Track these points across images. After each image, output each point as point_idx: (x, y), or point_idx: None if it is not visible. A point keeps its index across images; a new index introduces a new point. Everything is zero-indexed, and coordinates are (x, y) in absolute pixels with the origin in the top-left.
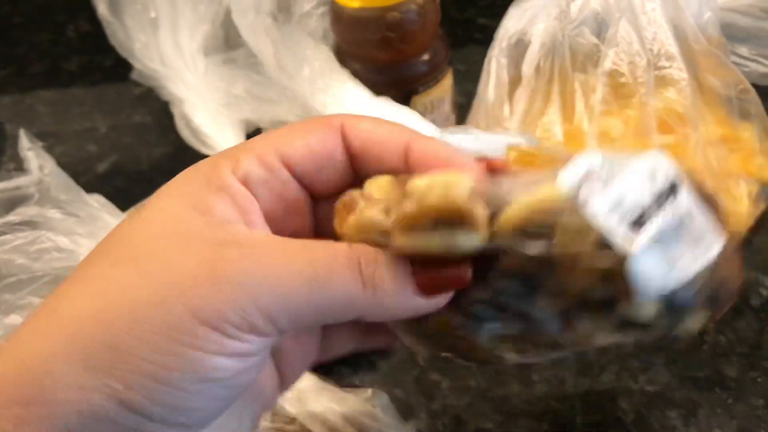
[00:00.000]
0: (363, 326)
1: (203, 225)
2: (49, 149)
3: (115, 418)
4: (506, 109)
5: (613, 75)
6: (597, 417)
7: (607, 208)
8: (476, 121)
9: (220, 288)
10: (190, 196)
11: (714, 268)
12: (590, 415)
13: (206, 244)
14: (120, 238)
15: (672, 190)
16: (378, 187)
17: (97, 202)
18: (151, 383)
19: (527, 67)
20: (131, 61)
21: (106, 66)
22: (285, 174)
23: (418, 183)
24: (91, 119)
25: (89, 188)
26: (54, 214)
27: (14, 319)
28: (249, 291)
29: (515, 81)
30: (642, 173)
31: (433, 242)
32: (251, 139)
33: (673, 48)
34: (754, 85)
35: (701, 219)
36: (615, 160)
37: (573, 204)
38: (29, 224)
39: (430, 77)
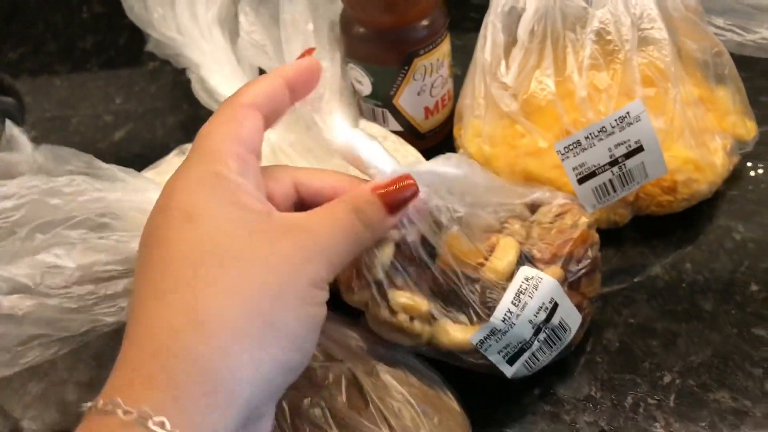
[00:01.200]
0: None
1: (259, 218)
2: (66, 120)
3: (275, 380)
4: (503, 66)
5: (601, 34)
6: (584, 347)
7: (496, 353)
8: (473, 82)
9: (313, 260)
10: (226, 201)
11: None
12: (577, 346)
13: (280, 234)
14: (205, 241)
15: (551, 314)
16: None
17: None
18: (300, 342)
19: (522, 31)
20: (149, 31)
21: (120, 44)
22: (252, 159)
23: None
24: (106, 92)
25: (106, 154)
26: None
27: (45, 257)
28: (327, 257)
29: (510, 45)
30: (529, 317)
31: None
32: (207, 139)
33: (653, 12)
34: (730, 54)
35: (568, 316)
36: (514, 313)
37: (474, 350)
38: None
39: (430, 41)
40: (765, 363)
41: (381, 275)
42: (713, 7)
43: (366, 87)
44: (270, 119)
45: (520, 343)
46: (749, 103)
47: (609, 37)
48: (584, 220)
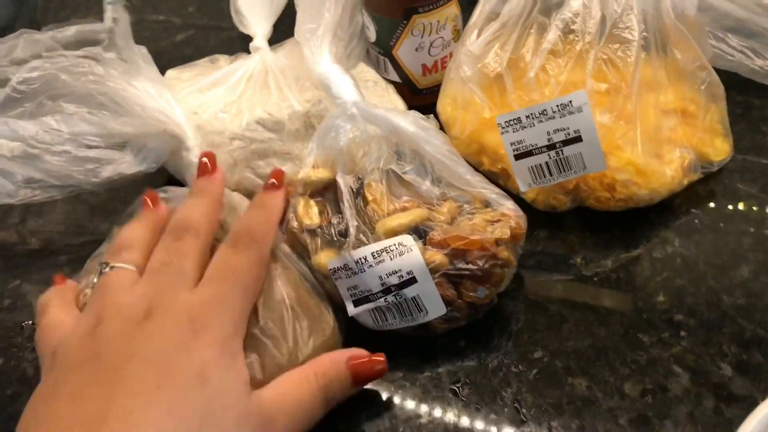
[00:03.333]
0: None
1: (246, 401)
2: (144, 17)
3: None
4: (474, 34)
5: (567, 23)
6: None
7: (345, 288)
8: (458, 46)
9: None
10: (239, 379)
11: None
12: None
13: (255, 419)
14: (206, 410)
15: (404, 284)
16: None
17: (142, 57)
18: None
19: (507, 7)
20: None
21: None
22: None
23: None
24: (184, 2)
25: (163, 51)
26: (110, 55)
27: (47, 120)
28: None
29: (495, 17)
30: (380, 273)
31: None
32: (242, 305)
33: (633, 14)
34: (738, 75)
35: (427, 300)
36: (368, 262)
37: (330, 277)
38: (89, 59)
39: (432, 1)
40: (634, 365)
41: (298, 188)
42: (729, 25)
43: (372, 34)
44: None
45: (366, 291)
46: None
47: (573, 27)
48: (497, 234)
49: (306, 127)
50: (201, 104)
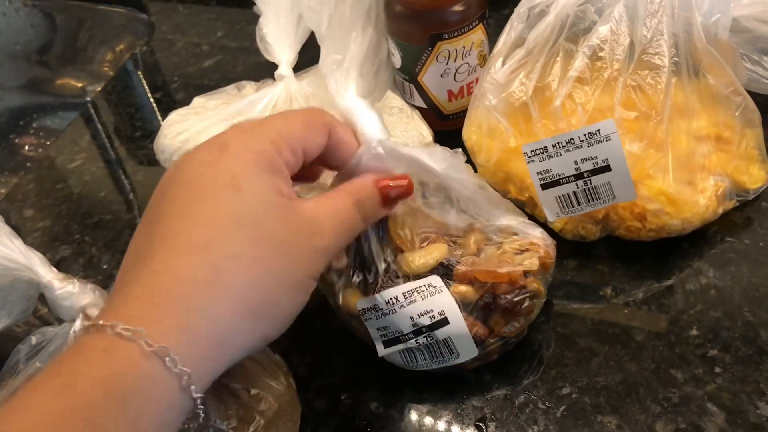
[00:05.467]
0: None
1: (286, 205)
2: (173, 42)
3: (258, 346)
4: (499, 62)
5: (595, 50)
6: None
7: (375, 328)
8: (483, 73)
9: (317, 257)
10: (269, 183)
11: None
12: None
13: (299, 225)
14: (243, 214)
15: (436, 325)
16: None
17: None
18: (284, 321)
19: (533, 34)
20: None
21: None
22: (302, 161)
23: None
24: (213, 25)
25: (193, 77)
26: None
27: None
28: (328, 254)
29: (520, 43)
30: (412, 314)
31: None
32: (283, 125)
33: (663, 39)
34: None
35: (459, 342)
36: (399, 302)
37: (358, 316)
38: None
39: (456, 27)
40: (666, 403)
41: None
42: (765, 48)
43: (397, 60)
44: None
45: (397, 332)
46: None
47: (601, 54)
48: (527, 265)
49: None
50: None
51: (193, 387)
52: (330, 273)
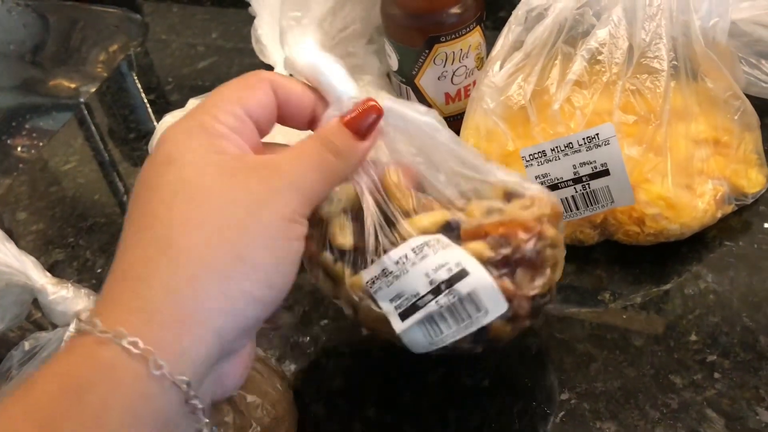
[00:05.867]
0: None
1: (232, 160)
2: (168, 43)
3: (247, 313)
4: (497, 65)
5: (594, 53)
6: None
7: (387, 300)
8: (481, 75)
9: (284, 194)
10: (205, 145)
11: (485, 328)
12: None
13: (249, 172)
14: (179, 180)
15: (455, 278)
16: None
17: None
18: (268, 274)
19: (531, 37)
20: None
21: None
22: (249, 122)
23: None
24: (208, 26)
25: (188, 78)
26: None
27: None
28: (300, 191)
29: (515, 47)
30: (426, 270)
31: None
32: (218, 95)
33: (662, 43)
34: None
35: (485, 294)
36: (410, 260)
37: (368, 293)
38: None
39: (454, 30)
40: (665, 409)
41: (324, 206)
42: (763, 51)
43: (394, 62)
44: (277, 115)
45: (414, 296)
46: None
47: (600, 57)
48: (536, 211)
49: None
50: None
51: (165, 369)
52: (325, 252)
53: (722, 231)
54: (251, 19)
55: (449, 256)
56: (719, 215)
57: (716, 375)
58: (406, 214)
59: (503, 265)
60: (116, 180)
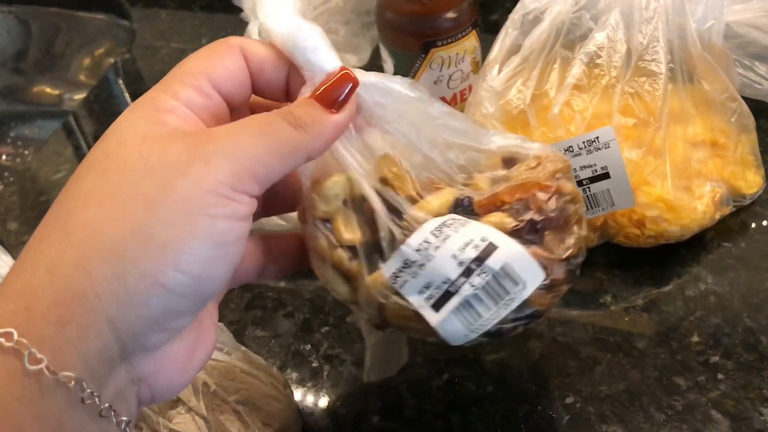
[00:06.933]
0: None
1: (165, 130)
2: (157, 49)
3: (150, 300)
4: (495, 70)
5: (592, 57)
6: (504, 352)
7: (416, 292)
8: (478, 80)
9: (210, 161)
10: (143, 117)
11: (525, 302)
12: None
13: (174, 139)
14: (99, 153)
15: (485, 254)
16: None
17: None
18: (177, 256)
19: (529, 41)
20: None
21: None
22: (216, 96)
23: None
24: (198, 32)
25: None
26: None
27: None
28: (233, 158)
29: (512, 51)
30: (452, 251)
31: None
32: (180, 68)
33: (659, 46)
34: (766, 103)
35: (519, 265)
36: (433, 244)
37: (393, 289)
38: None
39: (450, 34)
40: (670, 411)
41: (320, 206)
42: (757, 53)
43: (389, 67)
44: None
45: (445, 282)
46: None
47: (599, 61)
48: (550, 167)
49: None
50: None
51: (45, 364)
52: (337, 249)
53: (720, 232)
54: (242, 24)
55: (472, 231)
56: (718, 217)
57: (720, 376)
58: (411, 200)
59: (529, 231)
60: None
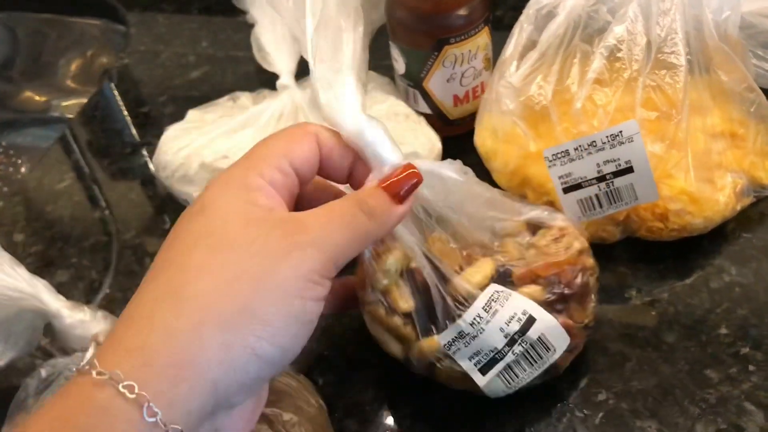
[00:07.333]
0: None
1: (261, 212)
2: (157, 54)
3: (248, 369)
4: (513, 66)
5: (612, 50)
6: None
7: (467, 358)
8: (494, 76)
9: (305, 251)
10: (238, 196)
11: (552, 364)
12: None
13: (274, 225)
14: (204, 228)
15: (526, 326)
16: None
17: None
18: (274, 331)
19: (545, 35)
20: None
21: None
22: (293, 175)
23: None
24: (197, 35)
25: (181, 89)
26: None
27: None
28: (323, 249)
29: (529, 47)
30: (500, 325)
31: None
32: (263, 149)
33: (678, 37)
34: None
35: (551, 335)
36: (484, 319)
37: (446, 354)
38: None
39: (463, 31)
40: (704, 404)
41: (382, 280)
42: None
43: (401, 66)
44: (319, 168)
45: (492, 351)
46: None
47: (619, 54)
48: (577, 245)
49: None
50: (230, 147)
51: (160, 417)
52: (394, 317)
53: (740, 223)
54: (241, 26)
55: (515, 306)
56: (739, 207)
57: (751, 368)
58: (456, 271)
59: (557, 302)
60: (115, 197)
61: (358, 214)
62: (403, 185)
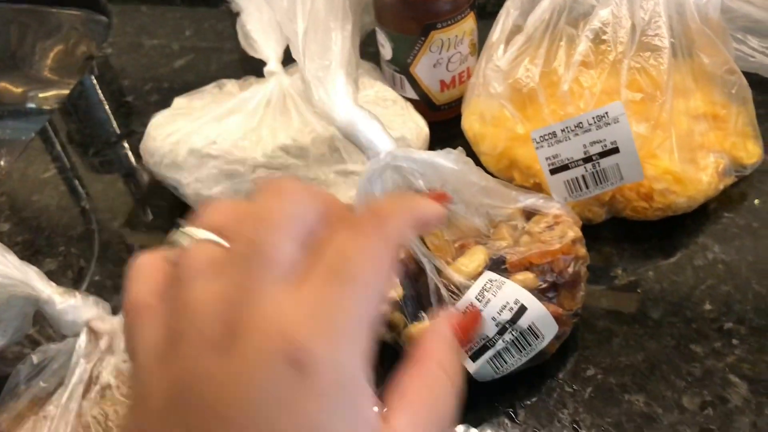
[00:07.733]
0: None
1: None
2: (140, 44)
3: None
4: (500, 50)
5: (598, 33)
6: None
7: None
8: (480, 62)
9: None
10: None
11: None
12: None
13: None
14: None
15: (517, 315)
16: None
17: None
18: None
19: (531, 19)
20: None
21: None
22: None
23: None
24: (181, 24)
25: (164, 78)
26: None
27: None
28: None
29: (516, 31)
30: (492, 314)
31: None
32: (359, 310)
33: (661, 20)
34: (758, 75)
35: (541, 323)
36: (477, 308)
37: None
38: None
39: (449, 16)
40: (690, 377)
41: None
42: (749, 27)
43: (387, 52)
44: None
45: (483, 339)
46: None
47: (604, 37)
48: (571, 234)
49: (331, 151)
50: (219, 133)
51: None
52: (394, 313)
53: (722, 203)
54: (224, 15)
55: (507, 294)
56: (722, 187)
57: (734, 341)
58: (448, 262)
59: (549, 290)
60: (102, 185)
61: (451, 389)
62: (473, 337)
